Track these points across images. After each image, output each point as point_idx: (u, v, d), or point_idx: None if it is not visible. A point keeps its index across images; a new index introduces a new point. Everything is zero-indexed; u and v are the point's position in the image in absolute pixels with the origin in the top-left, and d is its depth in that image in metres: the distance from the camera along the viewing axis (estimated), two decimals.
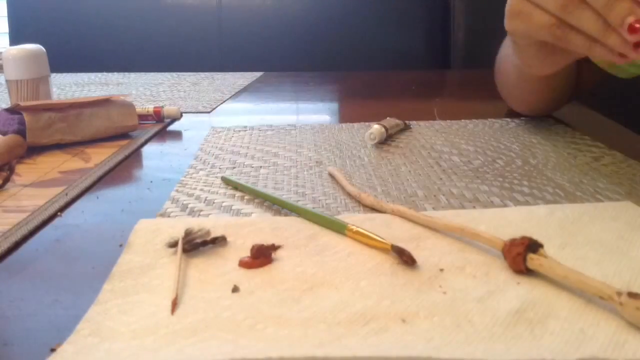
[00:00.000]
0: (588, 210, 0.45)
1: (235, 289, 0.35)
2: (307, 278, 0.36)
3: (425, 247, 0.40)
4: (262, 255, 0.38)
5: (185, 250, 0.39)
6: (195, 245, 0.39)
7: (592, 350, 0.28)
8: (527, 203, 0.48)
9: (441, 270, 0.36)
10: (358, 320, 0.31)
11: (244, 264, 0.38)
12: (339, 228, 0.42)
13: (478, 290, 0.34)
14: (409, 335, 0.30)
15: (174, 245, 0.40)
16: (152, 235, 0.42)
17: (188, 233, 0.40)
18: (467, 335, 0.30)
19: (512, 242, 0.36)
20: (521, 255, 0.35)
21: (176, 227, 0.42)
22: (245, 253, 0.39)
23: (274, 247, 0.39)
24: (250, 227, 0.43)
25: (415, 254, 0.37)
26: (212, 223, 0.43)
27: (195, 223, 0.42)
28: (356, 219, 0.44)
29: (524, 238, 0.36)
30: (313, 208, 0.47)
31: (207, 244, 0.40)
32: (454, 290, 0.34)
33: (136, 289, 0.35)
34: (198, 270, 0.37)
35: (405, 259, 0.37)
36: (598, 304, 0.32)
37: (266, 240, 0.40)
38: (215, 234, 0.40)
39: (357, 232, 0.41)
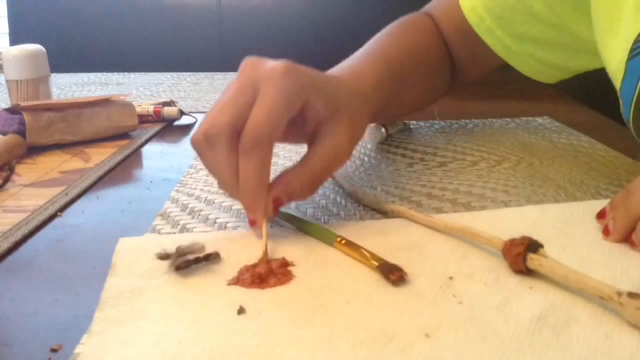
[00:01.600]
0: (578, 209, 0.44)
1: (241, 311, 0.32)
2: (315, 294, 0.34)
3: (428, 255, 0.38)
4: (275, 274, 0.36)
5: (178, 268, 0.36)
6: (188, 262, 0.36)
7: (624, 356, 0.28)
8: (527, 204, 0.47)
9: (450, 278, 0.35)
10: (380, 338, 0.30)
11: (251, 284, 0.35)
12: (329, 239, 0.40)
13: (493, 297, 0.33)
14: (437, 351, 0.29)
15: (164, 257, 0.37)
16: (138, 255, 0.39)
17: (180, 250, 0.37)
18: (496, 347, 0.29)
19: (512, 242, 0.36)
20: (521, 255, 0.35)
21: (161, 245, 0.38)
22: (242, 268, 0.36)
23: (285, 263, 0.37)
24: (243, 240, 0.41)
25: (419, 262, 0.37)
26: (202, 239, 0.39)
27: (182, 240, 0.39)
28: (352, 227, 0.42)
29: (524, 238, 0.36)
30: (307, 208, 0.47)
31: (200, 261, 0.37)
32: (469, 299, 0.33)
33: (131, 315, 0.32)
34: (195, 291, 0.35)
35: (394, 278, 0.35)
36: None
37: (260, 254, 0.38)
38: (207, 250, 0.38)
39: (346, 245, 0.39)
